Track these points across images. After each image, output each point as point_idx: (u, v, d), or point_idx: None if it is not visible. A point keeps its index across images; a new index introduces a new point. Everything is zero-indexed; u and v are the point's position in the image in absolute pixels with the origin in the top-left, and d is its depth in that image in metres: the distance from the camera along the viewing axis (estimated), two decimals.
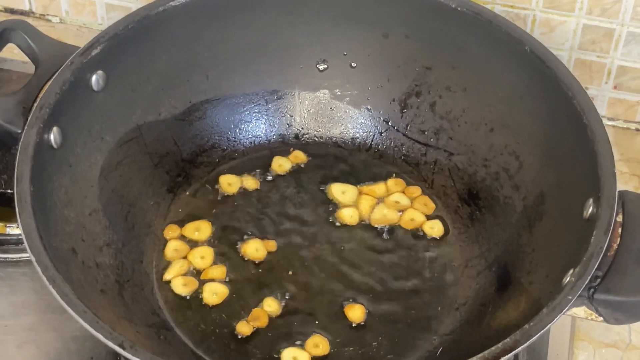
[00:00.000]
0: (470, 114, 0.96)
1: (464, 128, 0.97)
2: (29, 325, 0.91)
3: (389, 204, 0.96)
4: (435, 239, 0.94)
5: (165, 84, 0.95)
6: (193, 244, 0.93)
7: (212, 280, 0.90)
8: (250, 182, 0.97)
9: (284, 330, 0.87)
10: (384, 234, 0.94)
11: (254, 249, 0.92)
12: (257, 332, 0.87)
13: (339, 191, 0.97)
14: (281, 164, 0.99)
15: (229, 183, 0.97)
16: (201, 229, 0.93)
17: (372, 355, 0.86)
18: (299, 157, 1.00)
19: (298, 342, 0.86)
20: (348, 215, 0.95)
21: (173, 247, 0.92)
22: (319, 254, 0.93)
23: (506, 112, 0.94)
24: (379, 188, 0.97)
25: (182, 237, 0.93)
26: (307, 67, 1.00)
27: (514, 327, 0.73)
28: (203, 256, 0.92)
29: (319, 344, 0.86)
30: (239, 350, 0.86)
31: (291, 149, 1.00)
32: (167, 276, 0.90)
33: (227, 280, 0.90)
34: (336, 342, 0.87)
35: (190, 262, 0.91)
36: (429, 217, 0.95)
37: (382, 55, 0.99)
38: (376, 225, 0.95)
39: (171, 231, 0.93)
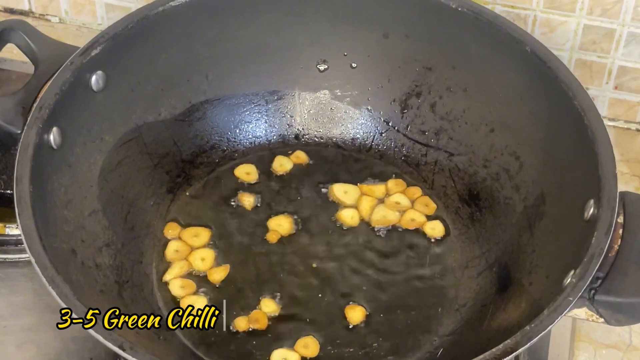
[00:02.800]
0: (470, 114, 0.96)
1: (465, 128, 0.96)
2: (29, 326, 0.91)
3: (390, 205, 0.96)
4: (435, 239, 0.94)
5: (165, 84, 0.95)
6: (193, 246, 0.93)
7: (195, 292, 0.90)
8: (247, 199, 0.97)
9: (284, 331, 0.87)
10: (385, 235, 0.94)
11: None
12: (256, 332, 0.87)
13: (341, 191, 0.97)
14: (282, 164, 0.99)
15: (247, 172, 0.97)
16: (200, 235, 0.93)
17: (373, 356, 0.86)
18: (300, 157, 1.00)
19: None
20: (349, 217, 0.95)
21: (173, 248, 0.92)
22: (319, 254, 0.92)
23: (507, 112, 0.93)
24: (378, 189, 0.97)
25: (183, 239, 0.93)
26: (308, 67, 1.00)
27: (515, 328, 0.73)
28: (204, 258, 0.91)
29: (309, 344, 0.86)
30: (239, 350, 0.86)
31: (289, 151, 1.00)
32: (167, 277, 0.90)
33: (225, 281, 0.90)
34: (336, 343, 0.86)
35: (190, 264, 0.91)
36: (429, 218, 0.95)
37: (382, 56, 0.98)
38: (376, 226, 0.95)
39: (172, 230, 0.93)
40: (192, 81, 0.97)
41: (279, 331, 0.87)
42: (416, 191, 0.97)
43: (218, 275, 0.90)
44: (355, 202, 0.96)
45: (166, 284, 0.90)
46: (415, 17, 0.95)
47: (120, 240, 0.89)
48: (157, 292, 0.89)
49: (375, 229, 0.95)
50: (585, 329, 0.93)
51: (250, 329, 0.87)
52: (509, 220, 0.91)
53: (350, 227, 0.95)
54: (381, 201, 0.97)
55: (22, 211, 0.77)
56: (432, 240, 0.94)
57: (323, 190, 0.97)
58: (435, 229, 0.94)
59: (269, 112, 1.01)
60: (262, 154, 1.00)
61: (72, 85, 0.85)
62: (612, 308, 0.76)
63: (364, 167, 0.99)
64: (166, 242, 0.93)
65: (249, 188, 0.97)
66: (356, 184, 0.97)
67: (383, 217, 0.95)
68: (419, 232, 0.94)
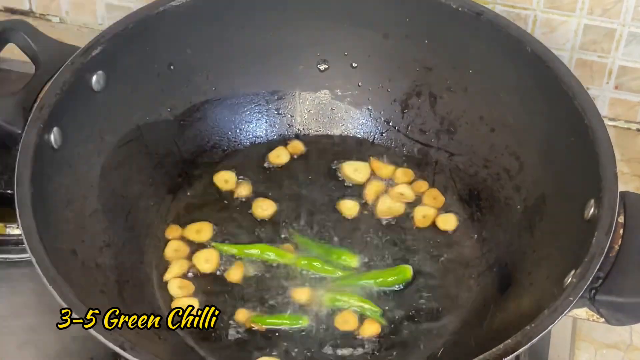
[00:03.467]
0: (471, 114, 0.96)
1: (465, 128, 0.96)
2: (29, 326, 0.91)
3: (394, 196, 0.96)
4: (436, 239, 0.94)
5: (165, 84, 0.95)
6: (194, 245, 0.93)
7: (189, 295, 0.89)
8: (244, 188, 0.96)
9: (283, 330, 0.87)
10: (386, 235, 0.94)
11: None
12: (256, 333, 0.87)
13: (352, 169, 0.97)
14: (279, 155, 0.98)
15: (226, 180, 0.97)
16: (202, 231, 0.93)
17: (373, 355, 0.86)
18: (297, 147, 0.99)
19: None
20: (346, 208, 0.94)
21: (173, 248, 0.92)
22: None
23: (507, 112, 0.93)
24: (387, 168, 0.97)
25: (183, 238, 0.93)
26: (308, 67, 1.00)
27: (515, 329, 0.73)
28: (208, 259, 0.91)
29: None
30: (240, 350, 0.86)
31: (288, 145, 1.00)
32: (167, 276, 0.90)
33: (224, 280, 0.90)
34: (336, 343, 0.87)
35: (194, 265, 0.91)
36: (439, 211, 0.95)
37: (382, 56, 0.98)
38: (381, 217, 0.94)
39: (173, 231, 0.93)
40: (193, 81, 0.97)
41: (279, 331, 0.87)
42: (423, 185, 0.97)
43: (235, 275, 0.90)
44: (365, 180, 0.96)
45: (166, 283, 0.89)
46: (416, 17, 0.95)
47: (121, 240, 0.89)
48: (158, 292, 0.89)
49: (377, 229, 0.94)
50: (585, 328, 0.93)
51: (250, 330, 0.87)
52: (510, 220, 0.91)
53: (351, 224, 0.94)
54: (386, 190, 0.96)
55: (23, 211, 0.77)
56: (433, 240, 0.94)
57: (333, 169, 0.97)
58: (448, 222, 0.94)
59: (270, 112, 1.01)
60: (262, 154, 1.00)
61: (72, 86, 0.85)
62: (612, 308, 0.76)
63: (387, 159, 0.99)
64: (167, 241, 0.93)
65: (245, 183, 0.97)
66: (367, 161, 0.98)
67: (388, 208, 0.95)
68: (422, 231, 0.94)
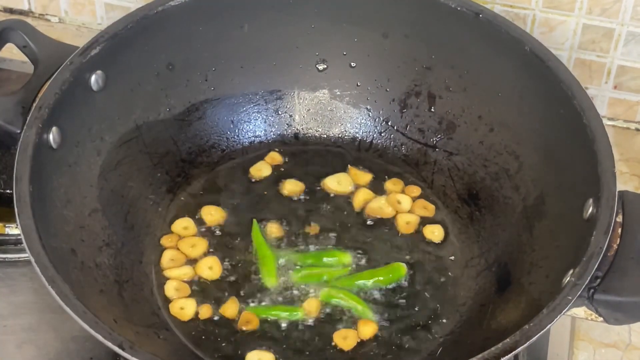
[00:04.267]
0: (469, 113, 0.96)
1: (464, 128, 0.97)
2: (29, 326, 0.91)
3: (390, 201, 0.96)
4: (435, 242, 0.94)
5: (164, 84, 0.95)
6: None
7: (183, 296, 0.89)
8: (275, 229, 0.95)
9: (282, 332, 0.87)
10: (383, 235, 0.94)
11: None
12: (256, 332, 0.87)
13: (335, 182, 0.97)
14: (260, 169, 0.98)
15: (185, 227, 0.94)
16: (197, 245, 0.92)
17: (372, 355, 0.86)
18: (275, 158, 0.99)
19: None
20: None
21: (169, 257, 0.91)
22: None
23: (506, 112, 0.94)
24: (365, 176, 0.97)
25: (179, 249, 0.92)
26: (307, 66, 1.00)
27: (514, 328, 0.73)
28: (211, 267, 0.90)
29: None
30: (239, 350, 0.86)
31: (282, 150, 1.00)
32: (167, 274, 0.90)
33: (221, 281, 0.90)
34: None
35: (197, 274, 0.90)
36: (429, 221, 0.95)
37: (381, 55, 0.98)
38: (369, 215, 0.94)
39: (169, 240, 0.93)
40: (192, 81, 0.97)
41: (278, 331, 0.87)
42: (415, 190, 0.97)
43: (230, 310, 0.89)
44: (350, 190, 0.96)
45: (163, 283, 0.89)
46: (415, 17, 0.96)
47: (120, 240, 0.89)
48: (157, 291, 0.89)
49: (377, 229, 0.94)
50: (584, 328, 0.93)
51: (249, 330, 0.87)
52: (509, 219, 0.91)
53: (349, 224, 0.95)
54: (383, 193, 0.96)
55: (22, 211, 0.77)
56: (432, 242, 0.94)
57: (317, 185, 0.97)
58: (435, 233, 0.94)
59: (269, 112, 1.01)
60: (261, 153, 1.00)
61: (71, 85, 0.86)
62: (611, 307, 0.76)
63: (363, 167, 0.99)
64: (164, 248, 0.92)
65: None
66: (345, 172, 0.97)
67: (379, 207, 0.95)
68: (418, 233, 0.94)
